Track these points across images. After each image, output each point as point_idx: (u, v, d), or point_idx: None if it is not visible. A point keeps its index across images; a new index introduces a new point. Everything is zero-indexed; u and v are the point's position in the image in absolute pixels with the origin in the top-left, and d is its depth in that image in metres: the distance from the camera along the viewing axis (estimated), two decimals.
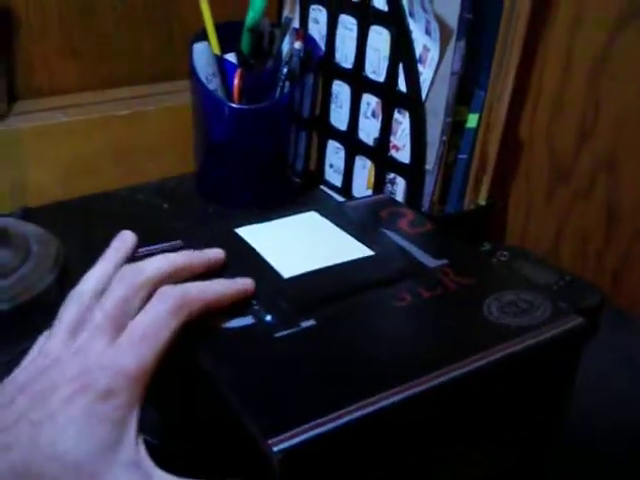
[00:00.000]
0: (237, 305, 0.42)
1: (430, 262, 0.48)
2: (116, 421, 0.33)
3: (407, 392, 0.37)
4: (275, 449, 0.32)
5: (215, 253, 0.44)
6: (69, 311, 0.37)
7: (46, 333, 0.38)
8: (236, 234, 0.49)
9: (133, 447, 0.33)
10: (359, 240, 0.49)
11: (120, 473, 0.32)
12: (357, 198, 0.58)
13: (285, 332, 0.40)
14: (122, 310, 0.36)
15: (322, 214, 0.52)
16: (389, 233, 0.51)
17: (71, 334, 0.36)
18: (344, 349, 0.40)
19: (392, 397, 0.36)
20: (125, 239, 0.43)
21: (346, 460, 0.36)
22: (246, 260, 0.46)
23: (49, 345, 0.36)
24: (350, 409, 0.35)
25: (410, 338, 0.42)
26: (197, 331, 0.39)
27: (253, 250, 0.47)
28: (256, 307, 0.42)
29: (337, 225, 0.51)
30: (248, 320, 0.41)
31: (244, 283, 0.42)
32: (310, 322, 0.41)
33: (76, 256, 0.56)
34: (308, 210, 0.53)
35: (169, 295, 0.37)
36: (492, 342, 0.41)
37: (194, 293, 0.38)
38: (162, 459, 0.34)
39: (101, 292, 0.38)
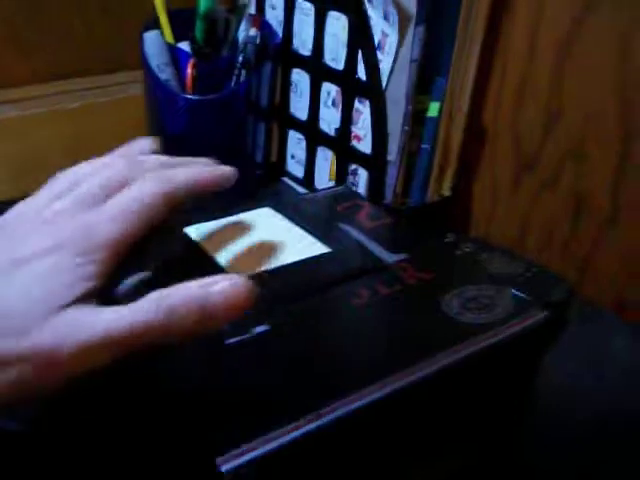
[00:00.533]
0: None
1: (389, 257, 0.47)
2: (78, 279, 0.31)
3: (364, 399, 0.35)
4: (224, 468, 0.30)
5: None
6: (58, 181, 0.37)
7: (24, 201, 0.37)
8: (184, 234, 0.46)
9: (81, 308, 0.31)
10: (315, 236, 0.47)
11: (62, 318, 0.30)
12: (315, 191, 0.56)
13: (236, 339, 0.38)
14: (109, 189, 0.35)
15: (277, 209, 0.50)
16: (346, 228, 0.49)
17: (54, 199, 0.35)
18: (299, 355, 0.38)
19: (348, 405, 0.34)
20: (137, 145, 0.42)
21: (306, 473, 0.34)
22: (194, 261, 0.44)
23: (30, 201, 0.36)
24: (307, 420, 0.33)
25: (367, 339, 0.40)
26: None
27: (202, 251, 0.45)
28: None
29: (292, 221, 0.49)
30: None
31: (228, 170, 0.42)
32: (263, 327, 0.39)
33: None
34: (262, 206, 0.51)
35: (157, 176, 0.36)
36: (451, 341, 0.39)
37: (181, 178, 0.37)
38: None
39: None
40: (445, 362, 0.38)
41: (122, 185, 0.35)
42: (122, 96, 0.73)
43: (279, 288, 0.42)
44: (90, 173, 0.37)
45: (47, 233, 0.32)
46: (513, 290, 0.45)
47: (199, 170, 0.40)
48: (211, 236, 0.46)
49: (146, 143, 0.42)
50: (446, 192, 0.66)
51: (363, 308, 0.41)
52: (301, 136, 0.73)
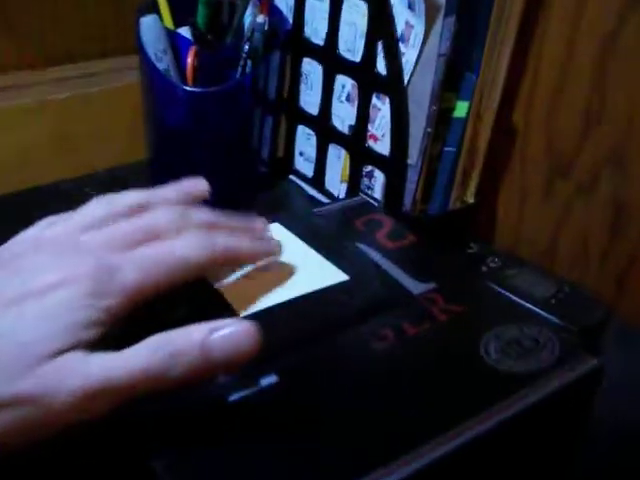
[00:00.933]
0: None
1: (415, 287, 0.41)
2: (82, 324, 0.29)
3: (395, 475, 0.29)
4: None
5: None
6: (93, 208, 0.35)
7: (51, 218, 0.36)
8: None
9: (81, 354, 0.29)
10: (331, 260, 0.41)
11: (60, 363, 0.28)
12: (327, 203, 0.50)
13: (241, 394, 0.32)
14: (147, 235, 0.34)
15: (287, 225, 0.45)
16: (365, 249, 0.44)
17: (83, 229, 0.34)
18: (314, 414, 0.32)
19: None
20: (188, 186, 0.40)
21: None
22: (194, 291, 0.38)
23: (55, 228, 0.34)
24: None
25: (394, 394, 0.34)
26: None
27: (203, 279, 0.39)
28: None
29: (304, 240, 0.43)
30: None
31: (272, 248, 0.40)
32: (271, 378, 0.33)
33: None
34: (270, 221, 0.45)
35: (200, 238, 0.34)
36: (493, 398, 0.33)
37: (222, 247, 0.35)
38: None
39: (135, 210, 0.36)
40: (485, 426, 0.32)
41: (161, 234, 0.34)
42: (117, 85, 0.67)
43: (288, 328, 0.36)
44: (132, 208, 0.36)
45: (66, 263, 0.31)
46: (555, 330, 0.40)
47: (242, 243, 0.37)
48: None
49: (198, 186, 0.41)
50: (470, 199, 0.61)
51: (387, 353, 0.36)
52: (311, 132, 0.67)
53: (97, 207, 0.36)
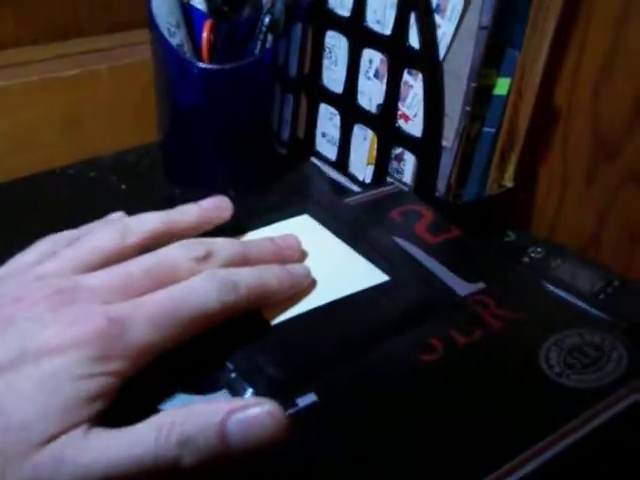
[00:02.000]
0: (208, 372, 0.30)
1: (462, 288, 0.37)
2: (84, 398, 0.25)
3: None
4: None
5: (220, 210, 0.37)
6: (101, 237, 0.31)
7: (52, 240, 0.32)
8: None
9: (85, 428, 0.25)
10: (368, 258, 0.37)
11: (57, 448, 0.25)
12: (358, 192, 0.46)
13: None
14: (160, 276, 0.30)
15: (317, 218, 0.40)
16: (405, 244, 0.40)
17: (86, 267, 0.30)
18: (358, 438, 0.28)
19: None
20: (214, 207, 0.36)
21: None
22: None
23: (51, 264, 0.30)
24: None
25: (447, 415, 0.30)
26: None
27: None
28: (232, 374, 0.30)
29: (337, 235, 0.39)
30: (222, 397, 0.29)
31: (304, 276, 0.34)
32: (310, 397, 0.29)
33: (14, 251, 0.43)
34: (299, 213, 0.41)
35: (221, 278, 0.30)
36: (561, 417, 0.30)
37: (245, 288, 0.31)
38: None
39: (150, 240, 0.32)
40: (554, 450, 0.28)
41: (178, 275, 0.30)
42: (127, 61, 0.63)
43: (325, 339, 0.32)
44: (147, 238, 0.32)
45: (67, 318, 0.27)
46: (620, 335, 0.36)
47: (269, 279, 0.33)
48: None
49: (221, 209, 0.37)
50: (508, 183, 0.56)
51: (437, 367, 0.32)
52: (335, 112, 0.62)
53: (106, 235, 0.31)
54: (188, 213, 0.35)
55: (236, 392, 0.29)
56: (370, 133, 0.59)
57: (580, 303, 0.48)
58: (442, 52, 0.50)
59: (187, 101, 0.59)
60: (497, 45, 0.49)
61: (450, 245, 0.40)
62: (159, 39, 0.56)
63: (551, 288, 0.48)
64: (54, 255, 0.30)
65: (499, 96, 0.51)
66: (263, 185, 0.62)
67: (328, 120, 0.64)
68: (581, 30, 0.52)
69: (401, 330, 0.33)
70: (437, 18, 0.50)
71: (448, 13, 0.49)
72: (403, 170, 0.57)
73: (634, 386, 0.32)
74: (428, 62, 0.52)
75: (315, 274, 0.35)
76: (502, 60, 0.50)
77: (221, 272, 0.31)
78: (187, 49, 0.57)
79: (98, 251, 0.30)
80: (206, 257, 0.31)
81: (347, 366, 0.31)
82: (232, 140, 0.60)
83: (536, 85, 0.53)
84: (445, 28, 0.50)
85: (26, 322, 0.27)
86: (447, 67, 0.51)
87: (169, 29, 0.56)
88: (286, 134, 0.64)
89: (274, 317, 0.32)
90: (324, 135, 0.65)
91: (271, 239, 0.36)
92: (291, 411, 0.29)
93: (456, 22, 0.49)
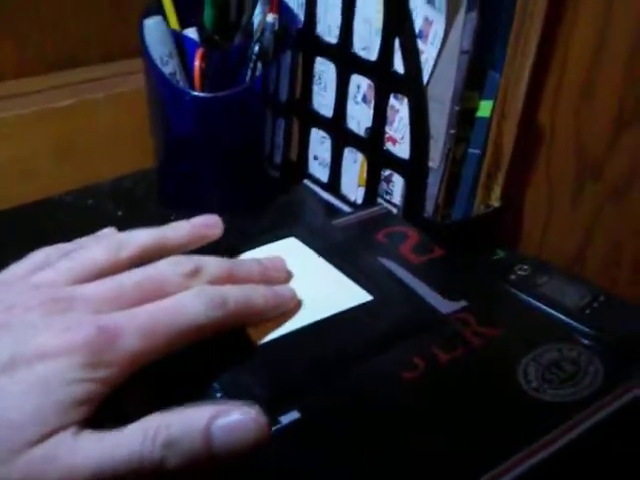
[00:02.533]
0: (192, 390, 0.31)
1: (444, 306, 0.38)
2: (75, 401, 0.26)
3: None
4: None
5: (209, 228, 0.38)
6: (93, 251, 0.32)
7: (45, 252, 0.33)
8: None
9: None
10: (353, 279, 0.38)
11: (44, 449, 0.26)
12: (346, 214, 0.47)
13: None
14: (149, 292, 0.31)
15: (304, 240, 0.42)
16: (389, 264, 0.41)
17: (79, 278, 0.31)
18: (340, 454, 0.29)
19: None
20: (205, 225, 0.37)
21: None
22: None
23: (46, 275, 0.31)
24: None
25: (429, 432, 0.31)
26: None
27: None
28: (218, 394, 0.31)
29: (323, 256, 0.40)
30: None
31: (289, 297, 0.35)
32: (293, 415, 0.30)
33: None
34: (286, 236, 0.42)
35: (209, 295, 0.31)
36: (537, 431, 0.30)
37: (233, 303, 0.32)
38: None
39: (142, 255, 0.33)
40: (530, 463, 0.29)
41: (168, 290, 0.31)
42: (121, 90, 0.64)
43: (309, 357, 0.33)
44: (137, 254, 0.33)
45: (60, 326, 0.28)
46: (597, 349, 0.37)
47: (256, 297, 0.34)
48: None
49: (211, 226, 0.38)
50: (495, 202, 0.57)
51: (419, 384, 0.33)
52: (325, 135, 0.64)
53: (99, 249, 0.32)
54: (179, 229, 0.36)
55: None
56: (360, 156, 0.61)
57: (566, 318, 0.49)
58: (426, 77, 0.52)
59: (181, 128, 0.60)
60: (479, 69, 0.51)
61: (434, 265, 0.41)
62: (152, 68, 0.57)
63: (533, 304, 0.49)
64: (48, 266, 0.32)
65: (482, 118, 0.53)
66: (257, 208, 0.63)
67: (320, 144, 0.65)
68: (561, 51, 0.54)
69: (384, 348, 0.34)
70: (420, 44, 0.51)
71: (430, 38, 0.50)
72: (392, 191, 0.58)
73: (610, 399, 0.33)
74: (413, 87, 0.53)
75: (300, 295, 0.36)
76: (484, 83, 0.52)
77: (210, 288, 0.32)
78: (180, 77, 0.59)
79: (92, 264, 0.31)
80: (195, 273, 0.32)
81: (330, 384, 0.32)
82: (226, 165, 0.61)
83: (519, 107, 0.54)
84: (428, 53, 0.51)
85: (20, 328, 0.28)
86: (431, 91, 0.52)
87: (162, 58, 0.58)
88: (278, 158, 0.65)
89: (260, 337, 0.34)
90: (316, 158, 0.66)
91: (258, 260, 0.37)
92: (274, 428, 0.29)
93: (438, 47, 0.50)
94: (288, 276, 0.37)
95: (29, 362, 0.27)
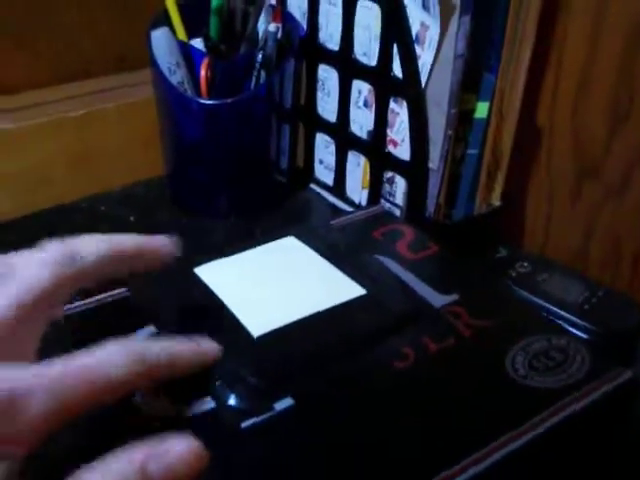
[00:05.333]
0: (195, 381, 0.32)
1: (437, 299, 0.39)
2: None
3: None
4: None
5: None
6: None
7: None
8: (195, 276, 0.39)
9: None
10: (348, 274, 0.40)
11: None
12: (346, 214, 0.48)
13: (255, 420, 0.31)
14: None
15: (302, 239, 0.43)
16: (385, 261, 0.42)
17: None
18: (334, 440, 0.31)
19: None
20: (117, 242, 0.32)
21: None
22: (206, 313, 0.37)
23: None
24: None
25: (417, 417, 0.32)
26: (139, 419, 0.30)
27: (215, 298, 0.38)
28: (218, 383, 0.32)
29: (320, 253, 0.42)
30: (207, 404, 0.32)
31: (211, 349, 0.31)
32: (287, 402, 0.32)
33: None
34: (285, 235, 0.44)
35: (130, 345, 0.27)
36: (520, 416, 0.32)
37: (161, 351, 0.28)
38: None
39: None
40: (513, 446, 0.30)
41: None
42: (131, 100, 0.66)
43: (304, 348, 0.35)
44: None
45: None
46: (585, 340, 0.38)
47: (181, 348, 0.30)
48: (226, 277, 0.39)
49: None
50: (496, 201, 0.59)
51: (410, 373, 0.34)
52: (330, 139, 0.65)
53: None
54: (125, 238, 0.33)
55: (220, 399, 0.32)
56: (363, 159, 0.62)
57: (564, 313, 0.50)
58: (424, 80, 0.53)
59: (189, 135, 0.62)
60: (474, 72, 0.52)
61: (428, 260, 0.43)
62: (160, 78, 0.59)
63: (533, 299, 0.50)
64: None
65: (480, 119, 0.54)
66: (265, 211, 0.65)
67: (324, 148, 0.67)
68: (556, 53, 0.55)
69: (377, 340, 0.36)
70: (417, 48, 0.53)
71: (427, 43, 0.52)
72: (395, 192, 0.60)
73: (594, 386, 0.34)
74: (411, 90, 0.54)
75: (297, 289, 0.38)
76: (480, 85, 0.53)
77: (129, 341, 0.28)
78: (187, 86, 0.61)
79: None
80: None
81: (323, 374, 0.33)
82: (234, 170, 0.63)
83: (517, 107, 0.55)
84: (425, 58, 0.52)
85: None
86: (429, 94, 0.54)
87: (170, 68, 0.60)
88: (285, 162, 0.67)
89: (257, 330, 0.35)
90: (321, 162, 0.68)
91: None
92: (269, 414, 0.31)
93: (434, 51, 0.51)
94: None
95: None
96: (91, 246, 0.31)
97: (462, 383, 0.34)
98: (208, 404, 0.32)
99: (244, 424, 0.31)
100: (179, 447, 0.25)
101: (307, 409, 0.32)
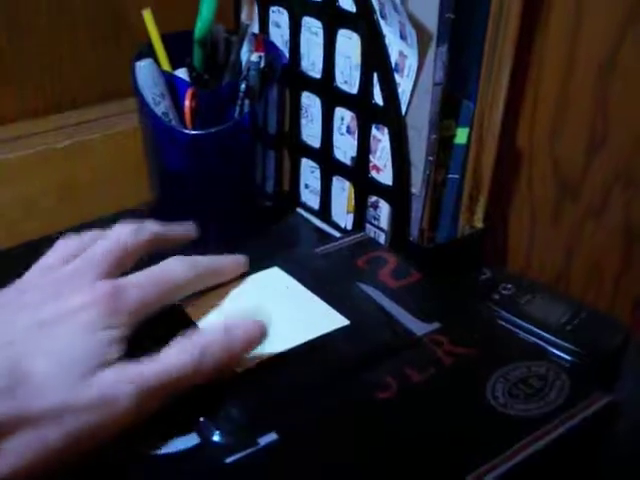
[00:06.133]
0: (179, 417, 0.33)
1: (419, 327, 0.40)
2: (110, 340, 0.33)
3: None
4: None
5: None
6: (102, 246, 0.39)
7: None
8: (178, 306, 0.40)
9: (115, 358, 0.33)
10: (332, 305, 0.40)
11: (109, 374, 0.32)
12: (330, 241, 0.49)
13: (239, 455, 0.32)
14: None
15: (287, 269, 0.44)
16: (368, 290, 0.43)
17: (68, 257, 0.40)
18: (319, 473, 0.31)
19: None
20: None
21: None
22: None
23: (72, 265, 0.38)
24: None
25: (400, 449, 0.33)
26: (125, 457, 0.31)
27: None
28: (202, 419, 0.33)
29: (304, 284, 0.42)
30: (192, 440, 0.32)
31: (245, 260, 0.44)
32: (271, 436, 0.32)
33: None
34: (269, 266, 0.44)
35: (186, 259, 0.40)
36: (500, 445, 0.32)
37: (208, 263, 0.42)
38: None
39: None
40: (493, 475, 0.31)
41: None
42: (117, 130, 0.67)
43: (287, 381, 0.35)
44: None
45: (85, 290, 0.34)
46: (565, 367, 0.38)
47: (222, 261, 0.44)
48: (209, 309, 0.40)
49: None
50: (478, 224, 0.59)
51: (392, 404, 0.34)
52: (315, 165, 0.66)
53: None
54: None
55: (204, 434, 0.32)
56: (347, 184, 0.63)
57: (547, 335, 0.51)
58: (404, 107, 0.54)
59: (174, 164, 0.63)
60: (453, 99, 0.53)
61: (411, 288, 0.43)
62: (145, 108, 0.60)
63: (516, 322, 0.51)
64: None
65: (460, 145, 0.55)
66: (252, 237, 0.65)
67: (310, 173, 0.67)
68: (534, 78, 0.56)
69: (359, 369, 0.36)
70: (397, 76, 0.54)
71: (406, 72, 0.53)
72: (380, 217, 0.61)
73: (572, 413, 0.34)
74: (392, 117, 0.55)
75: (280, 322, 0.38)
76: (459, 112, 0.54)
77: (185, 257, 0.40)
78: (172, 116, 0.62)
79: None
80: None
81: (307, 406, 0.34)
82: (219, 198, 0.64)
83: (496, 132, 0.56)
84: (404, 86, 0.53)
85: (56, 290, 0.35)
86: (409, 121, 0.55)
87: (154, 99, 0.60)
88: (271, 188, 0.68)
89: (240, 365, 0.36)
90: (307, 187, 0.69)
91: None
92: (253, 449, 0.32)
93: (413, 79, 0.52)
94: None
95: (64, 317, 0.33)
96: (149, 224, 0.42)
97: (443, 412, 0.34)
98: (192, 440, 0.32)
99: (228, 459, 0.31)
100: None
101: (291, 443, 0.32)
